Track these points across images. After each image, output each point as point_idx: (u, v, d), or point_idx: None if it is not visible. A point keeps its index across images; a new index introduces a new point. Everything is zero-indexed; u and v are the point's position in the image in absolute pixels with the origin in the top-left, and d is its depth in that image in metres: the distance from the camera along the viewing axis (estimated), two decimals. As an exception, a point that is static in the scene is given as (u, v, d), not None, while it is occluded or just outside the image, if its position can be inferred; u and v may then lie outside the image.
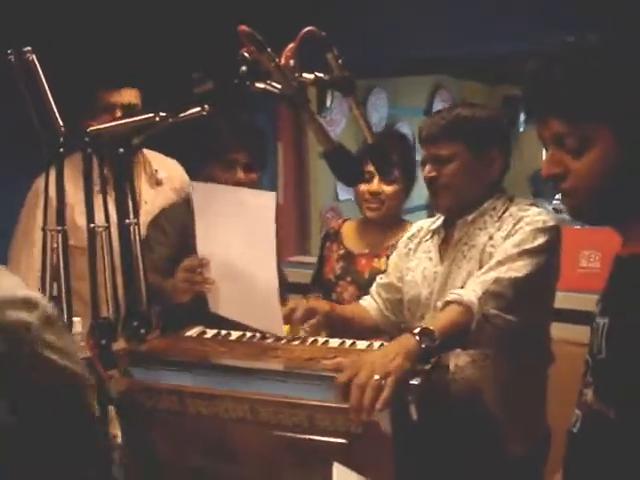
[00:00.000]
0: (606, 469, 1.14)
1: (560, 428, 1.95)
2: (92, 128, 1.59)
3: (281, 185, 3.91)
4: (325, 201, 4.82)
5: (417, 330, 1.49)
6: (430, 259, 1.96)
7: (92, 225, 1.61)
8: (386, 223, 2.41)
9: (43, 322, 0.96)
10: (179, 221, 2.30)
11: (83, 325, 1.69)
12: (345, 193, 4.75)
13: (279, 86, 1.41)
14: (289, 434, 1.40)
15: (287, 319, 1.81)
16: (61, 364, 0.97)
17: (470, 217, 1.88)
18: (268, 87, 1.40)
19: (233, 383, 1.47)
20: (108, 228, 1.65)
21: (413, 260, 2.01)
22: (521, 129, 6.94)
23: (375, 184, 2.33)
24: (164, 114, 1.51)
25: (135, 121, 1.54)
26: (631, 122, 1.11)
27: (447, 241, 1.94)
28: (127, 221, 1.68)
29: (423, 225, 2.07)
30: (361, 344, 1.65)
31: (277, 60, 1.37)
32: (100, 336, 1.62)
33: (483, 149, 1.87)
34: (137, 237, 1.69)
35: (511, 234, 1.78)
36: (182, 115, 1.62)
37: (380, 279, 2.11)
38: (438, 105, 6.12)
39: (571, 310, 2.96)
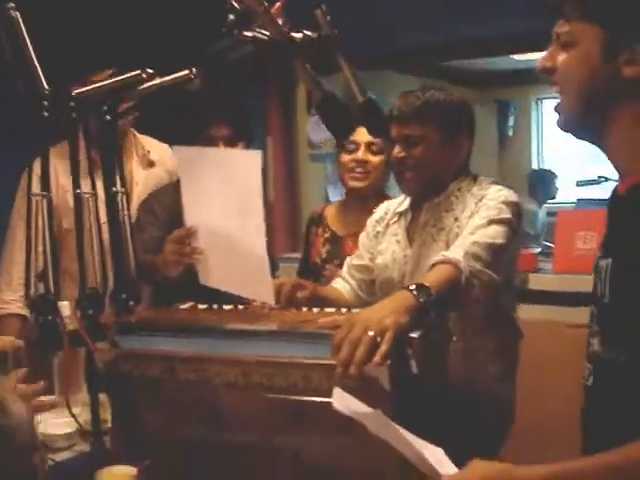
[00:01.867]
0: (627, 415, 1.09)
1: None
2: (77, 91, 1.55)
3: (271, 180, 3.88)
4: (316, 202, 4.79)
5: (412, 286, 1.45)
6: (398, 242, 1.96)
7: (78, 191, 1.57)
8: (370, 199, 2.35)
9: None
10: (170, 203, 2.26)
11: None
12: (336, 194, 4.72)
13: (268, 33, 1.37)
14: (283, 396, 1.34)
15: (276, 294, 1.77)
16: None
17: (436, 200, 1.89)
18: (257, 34, 1.37)
19: (224, 346, 1.42)
20: (95, 195, 1.61)
21: (382, 243, 2.01)
22: (510, 133, 6.97)
23: (361, 153, 2.31)
24: (151, 71, 1.47)
25: (122, 79, 1.51)
26: (621, 27, 1.09)
27: (414, 223, 1.95)
28: (114, 189, 1.65)
29: (390, 207, 2.06)
30: (357, 310, 1.61)
31: (265, 4, 1.34)
32: (87, 307, 1.58)
33: (453, 133, 1.89)
34: (125, 207, 1.65)
35: (475, 212, 1.80)
36: (170, 77, 1.59)
37: (351, 260, 2.09)
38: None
39: (569, 292, 2.95)
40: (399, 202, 2.04)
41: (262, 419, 1.38)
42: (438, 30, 3.46)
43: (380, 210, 2.09)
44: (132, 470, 1.39)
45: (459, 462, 1.13)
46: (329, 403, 1.30)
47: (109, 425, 1.60)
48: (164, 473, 1.43)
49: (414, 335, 1.35)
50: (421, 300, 1.43)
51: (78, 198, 1.56)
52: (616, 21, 1.09)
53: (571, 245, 2.92)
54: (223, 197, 1.64)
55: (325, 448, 1.34)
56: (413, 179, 1.89)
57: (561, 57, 1.14)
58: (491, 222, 1.73)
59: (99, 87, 1.55)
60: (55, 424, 1.74)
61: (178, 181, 2.41)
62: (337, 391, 1.21)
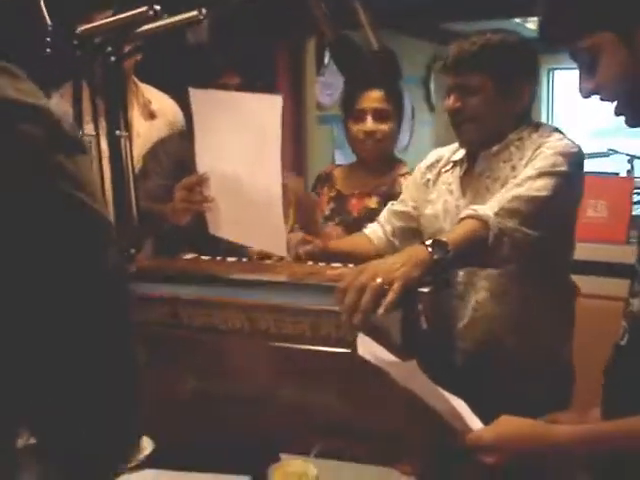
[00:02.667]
0: None
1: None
2: (82, 28, 1.49)
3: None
4: (323, 165, 4.72)
5: (429, 241, 1.38)
6: (451, 192, 1.85)
7: (80, 133, 1.52)
8: (380, 163, 2.32)
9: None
10: (176, 152, 2.20)
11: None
12: (343, 159, 4.66)
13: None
14: (290, 345, 1.30)
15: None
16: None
17: (494, 149, 1.77)
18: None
19: (229, 294, 1.37)
20: (97, 137, 1.56)
21: (433, 192, 1.90)
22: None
23: (369, 123, 2.23)
24: (158, 8, 1.41)
25: (128, 16, 1.44)
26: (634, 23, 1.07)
27: (469, 174, 1.83)
28: (118, 132, 1.59)
29: (443, 154, 1.94)
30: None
31: None
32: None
33: (513, 80, 1.75)
34: (128, 150, 1.60)
35: (531, 159, 1.68)
36: (178, 18, 1.53)
37: (392, 206, 2.00)
38: (435, 76, 6.03)
39: (579, 261, 2.89)
40: (453, 149, 1.92)
41: (267, 370, 1.34)
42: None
43: (431, 157, 1.98)
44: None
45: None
46: (339, 354, 1.26)
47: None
48: (161, 429, 1.40)
49: (424, 290, 1.31)
50: (435, 256, 1.36)
51: (80, 139, 1.51)
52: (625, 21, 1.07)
53: (582, 213, 2.87)
54: (239, 143, 1.58)
55: (332, 403, 1.30)
56: (471, 131, 1.76)
57: (596, 76, 1.11)
58: (542, 174, 1.60)
59: (104, 24, 1.49)
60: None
61: (184, 130, 2.38)
62: (362, 337, 1.16)
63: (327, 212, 2.35)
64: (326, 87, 4.78)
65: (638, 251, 1.18)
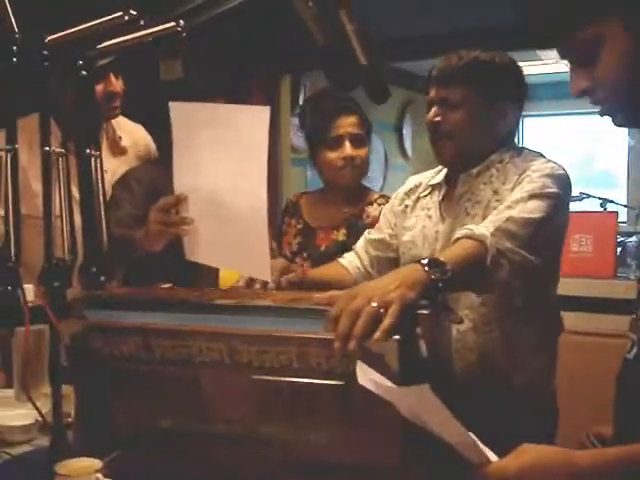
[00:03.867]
0: None
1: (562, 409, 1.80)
2: (51, 37, 1.39)
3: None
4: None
5: (425, 260, 1.28)
6: (429, 217, 1.78)
7: (47, 148, 1.41)
8: (349, 192, 2.27)
9: None
10: (148, 181, 2.10)
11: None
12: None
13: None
14: (276, 378, 1.18)
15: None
16: None
17: (475, 170, 1.71)
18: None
19: (208, 321, 1.25)
20: (66, 155, 1.45)
21: (411, 218, 1.83)
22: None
23: (348, 148, 2.19)
24: (134, 13, 1.33)
25: (102, 22, 1.35)
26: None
27: (448, 197, 1.77)
28: (87, 152, 1.49)
29: (422, 180, 1.88)
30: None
31: None
32: (53, 280, 1.41)
33: (498, 98, 1.70)
34: (98, 170, 1.49)
35: (517, 184, 1.61)
36: (154, 29, 1.45)
37: (369, 234, 1.93)
38: (408, 122, 6.06)
39: (565, 296, 2.83)
40: (432, 174, 1.86)
41: (250, 406, 1.21)
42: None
43: (409, 182, 1.92)
44: (96, 463, 1.21)
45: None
46: (329, 386, 1.14)
47: (72, 420, 1.43)
48: (135, 467, 1.26)
49: (423, 312, 1.20)
50: (433, 277, 1.26)
51: (46, 156, 1.40)
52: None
53: (566, 247, 2.82)
54: (221, 159, 1.47)
55: (322, 440, 1.17)
56: (449, 147, 1.70)
57: (594, 70, 1.06)
58: (533, 196, 1.54)
59: (75, 32, 1.39)
60: (12, 415, 1.57)
61: (155, 159, 2.28)
62: (361, 365, 1.06)
63: (294, 246, 2.29)
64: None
65: None
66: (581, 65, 1.08)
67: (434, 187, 1.82)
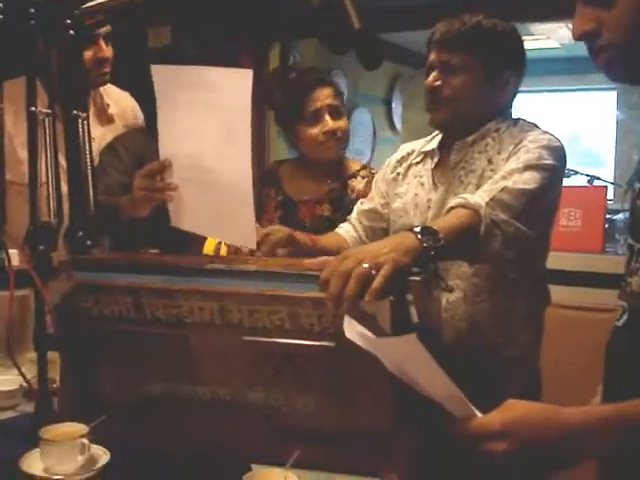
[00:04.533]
0: None
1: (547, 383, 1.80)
2: (37, -6, 1.36)
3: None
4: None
5: (418, 228, 1.27)
6: (422, 184, 1.76)
7: (32, 108, 1.38)
8: (330, 164, 2.21)
9: None
10: (136, 148, 2.06)
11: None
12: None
13: None
14: (267, 339, 1.17)
15: (263, 243, 1.61)
16: None
17: (470, 138, 1.69)
18: None
19: (198, 282, 1.23)
20: (52, 116, 1.41)
21: (402, 185, 1.81)
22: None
23: (329, 121, 2.12)
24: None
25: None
26: None
27: (442, 165, 1.75)
28: (75, 113, 1.46)
29: (414, 147, 1.86)
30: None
31: None
32: (38, 243, 1.38)
33: (499, 67, 1.68)
34: (85, 132, 1.46)
35: (513, 153, 1.60)
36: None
37: (361, 204, 1.91)
38: (397, 96, 6.02)
39: (554, 270, 2.83)
40: (425, 142, 1.84)
41: (239, 368, 1.20)
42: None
43: (402, 150, 1.89)
44: (82, 428, 1.20)
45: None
46: (321, 348, 1.13)
47: (57, 386, 1.42)
48: (121, 433, 1.25)
49: (415, 278, 1.19)
50: (425, 245, 1.25)
51: (32, 117, 1.37)
52: None
53: (555, 222, 2.81)
54: (205, 124, 1.44)
55: (313, 406, 1.17)
56: (445, 111, 1.68)
57: (607, 14, 1.00)
58: (528, 167, 1.52)
59: (63, -12, 1.36)
60: (-5, 380, 1.55)
61: (144, 126, 2.24)
62: (348, 319, 1.05)
63: (276, 220, 2.21)
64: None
65: (630, 225, 1.11)
66: (590, 4, 1.02)
67: (427, 154, 1.80)
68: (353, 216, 1.91)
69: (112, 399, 1.30)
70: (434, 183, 1.74)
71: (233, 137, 1.40)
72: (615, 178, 5.60)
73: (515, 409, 0.95)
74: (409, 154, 1.85)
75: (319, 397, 1.16)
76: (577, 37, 1.04)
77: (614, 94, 6.30)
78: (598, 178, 4.10)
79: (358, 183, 2.19)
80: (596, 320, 2.24)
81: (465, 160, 1.69)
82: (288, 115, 2.21)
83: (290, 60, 3.92)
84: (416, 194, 1.76)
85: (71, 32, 1.43)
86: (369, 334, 1.02)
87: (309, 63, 4.86)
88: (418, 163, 1.81)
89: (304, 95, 2.14)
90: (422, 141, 1.86)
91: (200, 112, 1.44)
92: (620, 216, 3.41)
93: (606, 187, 3.31)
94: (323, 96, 2.14)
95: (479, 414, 0.96)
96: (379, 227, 1.85)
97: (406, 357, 0.97)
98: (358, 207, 1.91)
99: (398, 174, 1.84)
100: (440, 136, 1.79)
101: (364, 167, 2.25)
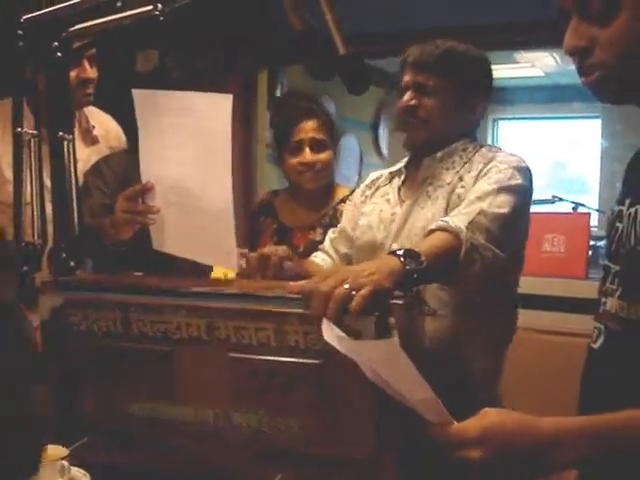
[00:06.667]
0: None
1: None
2: (27, 16, 1.37)
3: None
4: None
5: (400, 251, 1.28)
6: (388, 201, 1.79)
7: (19, 130, 1.38)
8: (320, 191, 2.27)
9: None
10: (121, 169, 2.07)
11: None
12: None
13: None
14: (253, 356, 1.17)
15: (262, 265, 1.62)
16: None
17: (439, 154, 1.73)
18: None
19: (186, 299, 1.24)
20: (38, 138, 1.42)
21: (369, 205, 1.84)
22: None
23: (307, 154, 2.18)
24: (112, -6, 1.30)
25: (78, 3, 1.33)
26: None
27: (409, 181, 1.79)
28: (60, 134, 1.46)
29: (382, 173, 1.91)
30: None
31: None
32: (22, 264, 1.38)
33: (470, 91, 1.74)
34: (71, 154, 1.47)
35: (484, 173, 1.64)
36: (132, 12, 1.42)
37: (333, 233, 1.93)
38: (384, 121, 6.07)
39: (535, 295, 2.85)
40: (392, 168, 1.89)
41: (224, 386, 1.20)
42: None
43: (371, 176, 1.93)
44: (62, 450, 1.19)
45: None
46: (302, 364, 1.14)
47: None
48: (105, 453, 1.24)
49: (397, 302, 1.20)
50: (408, 267, 1.25)
51: (18, 138, 1.38)
52: None
53: (538, 247, 2.84)
54: (186, 148, 1.46)
55: (298, 425, 1.17)
56: (420, 131, 1.72)
57: (602, 31, 0.98)
58: (502, 189, 1.56)
59: (51, 11, 1.37)
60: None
61: (127, 149, 2.25)
62: (326, 322, 1.06)
63: (271, 246, 2.25)
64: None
65: (607, 247, 1.13)
66: (586, 20, 1.00)
67: (393, 174, 1.84)
68: (326, 244, 1.93)
69: (94, 419, 1.29)
70: (400, 198, 1.77)
71: (214, 161, 1.41)
72: (600, 205, 5.66)
73: (491, 417, 0.95)
74: (377, 178, 1.90)
75: (303, 417, 1.16)
76: (568, 51, 1.03)
77: (598, 122, 6.37)
78: (582, 205, 4.14)
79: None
80: (579, 344, 2.25)
81: (433, 175, 1.73)
82: (277, 143, 2.28)
83: (278, 85, 3.96)
84: (381, 210, 1.79)
85: (58, 54, 1.44)
86: (347, 337, 1.02)
87: (297, 88, 4.91)
88: (385, 185, 1.85)
89: (291, 125, 2.21)
90: (388, 169, 1.90)
91: (181, 136, 1.46)
92: (604, 242, 3.42)
93: (590, 214, 3.35)
94: (307, 129, 2.19)
95: (454, 422, 0.96)
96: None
97: (384, 361, 0.97)
98: (329, 236, 1.94)
99: (366, 197, 1.88)
100: (409, 155, 1.83)
101: (353, 192, 2.28)
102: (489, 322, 1.69)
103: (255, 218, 2.38)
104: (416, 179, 1.76)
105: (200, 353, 1.19)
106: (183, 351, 1.20)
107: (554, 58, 4.91)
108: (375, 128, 6.06)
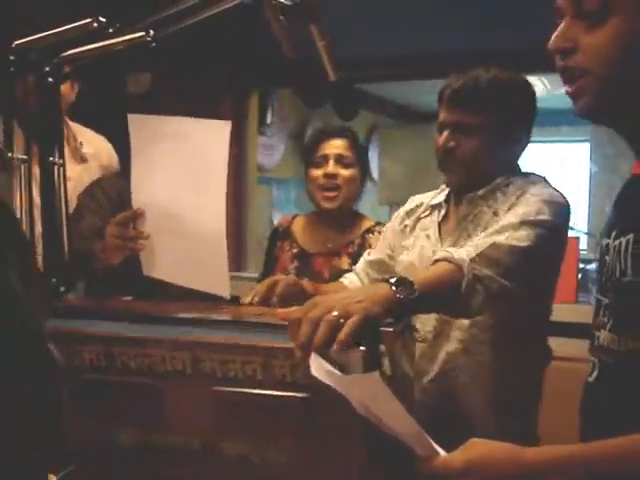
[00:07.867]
0: (636, 409, 0.97)
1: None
2: (18, 42, 1.37)
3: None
4: (262, 225, 4.63)
5: (393, 279, 1.25)
6: (428, 237, 1.71)
7: (10, 154, 1.38)
8: (342, 217, 2.23)
9: None
10: (114, 193, 2.06)
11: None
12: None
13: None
14: (240, 390, 1.16)
15: (268, 293, 1.56)
16: None
17: (480, 192, 1.63)
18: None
19: (171, 332, 1.22)
20: (28, 162, 1.42)
21: (410, 238, 1.76)
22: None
23: (331, 166, 2.17)
24: (104, 20, 1.31)
25: (69, 29, 1.34)
26: None
27: (449, 218, 1.71)
28: (51, 159, 1.46)
29: (423, 200, 1.81)
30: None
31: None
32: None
33: (516, 123, 1.63)
34: (61, 179, 1.47)
35: (514, 205, 1.55)
36: (123, 39, 1.43)
37: (368, 255, 1.87)
38: (375, 145, 6.09)
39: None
40: (435, 194, 1.78)
41: (211, 419, 1.19)
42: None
43: (411, 202, 1.84)
44: (50, 478, 1.17)
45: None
46: (295, 399, 1.13)
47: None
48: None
49: (388, 329, 1.19)
50: (399, 295, 1.22)
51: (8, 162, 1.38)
52: None
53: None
54: (180, 173, 1.46)
55: (285, 458, 1.15)
56: (459, 173, 1.62)
57: (588, 36, 0.97)
58: (524, 223, 1.46)
59: (43, 37, 1.38)
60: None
61: (119, 170, 2.25)
62: (315, 356, 1.04)
63: (292, 271, 2.21)
64: (267, 148, 4.73)
65: (598, 281, 1.11)
66: (577, 20, 0.98)
67: (434, 207, 1.76)
68: (359, 266, 1.87)
69: (81, 448, 1.27)
70: (440, 236, 1.70)
71: (208, 188, 1.41)
72: (589, 229, 5.69)
73: (478, 448, 0.95)
74: (418, 206, 1.81)
75: (290, 451, 1.15)
76: (552, 48, 1.01)
77: (587, 146, 6.43)
78: (572, 228, 4.15)
79: (375, 239, 2.15)
80: (570, 369, 2.24)
81: (474, 214, 1.64)
82: (303, 159, 2.30)
83: (268, 109, 3.98)
84: (422, 246, 1.71)
85: (50, 79, 1.44)
86: (335, 371, 1.01)
87: (288, 112, 4.94)
88: (426, 217, 1.76)
89: (319, 141, 2.22)
90: (432, 193, 1.81)
91: (175, 162, 1.46)
92: (593, 266, 3.42)
93: (579, 238, 3.34)
94: (334, 145, 2.19)
95: (442, 452, 0.96)
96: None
97: (368, 395, 0.97)
98: (365, 258, 1.87)
99: (406, 226, 1.79)
100: (448, 189, 1.75)
101: (379, 223, 2.26)
102: (523, 356, 1.64)
103: (271, 242, 2.34)
104: (456, 215, 1.68)
105: (185, 387, 1.18)
106: (168, 385, 1.19)
107: (543, 83, 4.97)
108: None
